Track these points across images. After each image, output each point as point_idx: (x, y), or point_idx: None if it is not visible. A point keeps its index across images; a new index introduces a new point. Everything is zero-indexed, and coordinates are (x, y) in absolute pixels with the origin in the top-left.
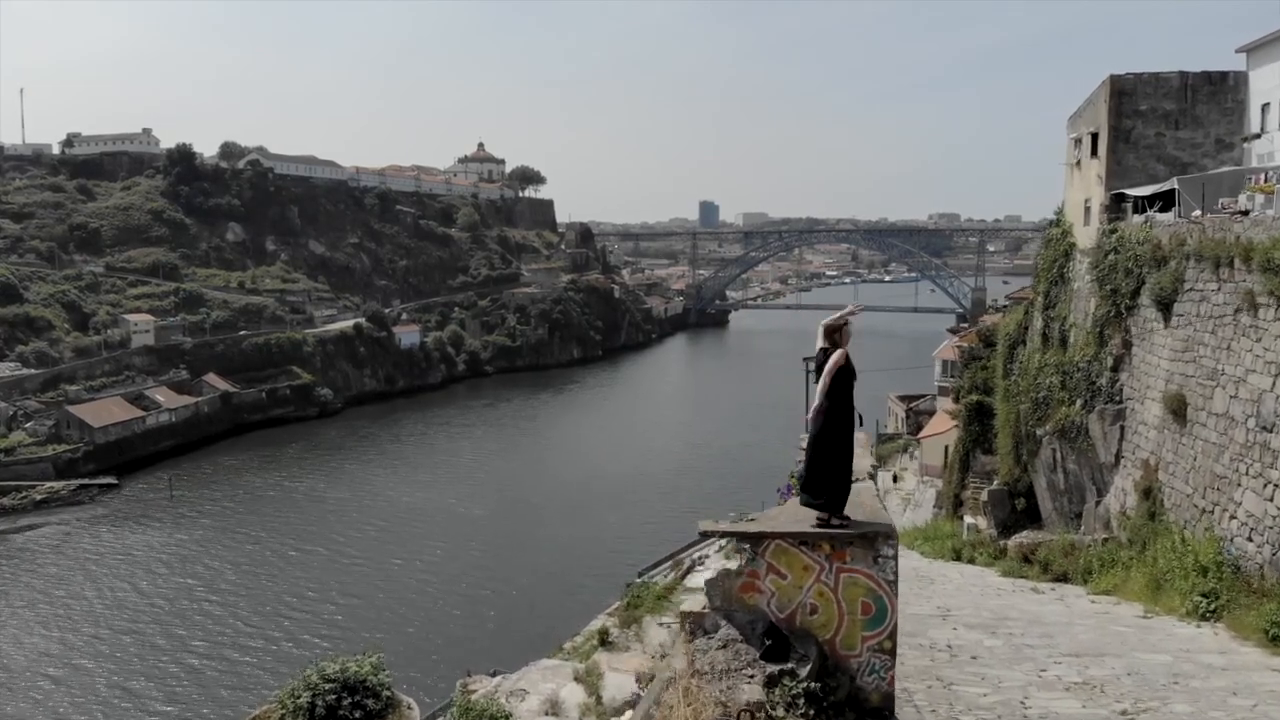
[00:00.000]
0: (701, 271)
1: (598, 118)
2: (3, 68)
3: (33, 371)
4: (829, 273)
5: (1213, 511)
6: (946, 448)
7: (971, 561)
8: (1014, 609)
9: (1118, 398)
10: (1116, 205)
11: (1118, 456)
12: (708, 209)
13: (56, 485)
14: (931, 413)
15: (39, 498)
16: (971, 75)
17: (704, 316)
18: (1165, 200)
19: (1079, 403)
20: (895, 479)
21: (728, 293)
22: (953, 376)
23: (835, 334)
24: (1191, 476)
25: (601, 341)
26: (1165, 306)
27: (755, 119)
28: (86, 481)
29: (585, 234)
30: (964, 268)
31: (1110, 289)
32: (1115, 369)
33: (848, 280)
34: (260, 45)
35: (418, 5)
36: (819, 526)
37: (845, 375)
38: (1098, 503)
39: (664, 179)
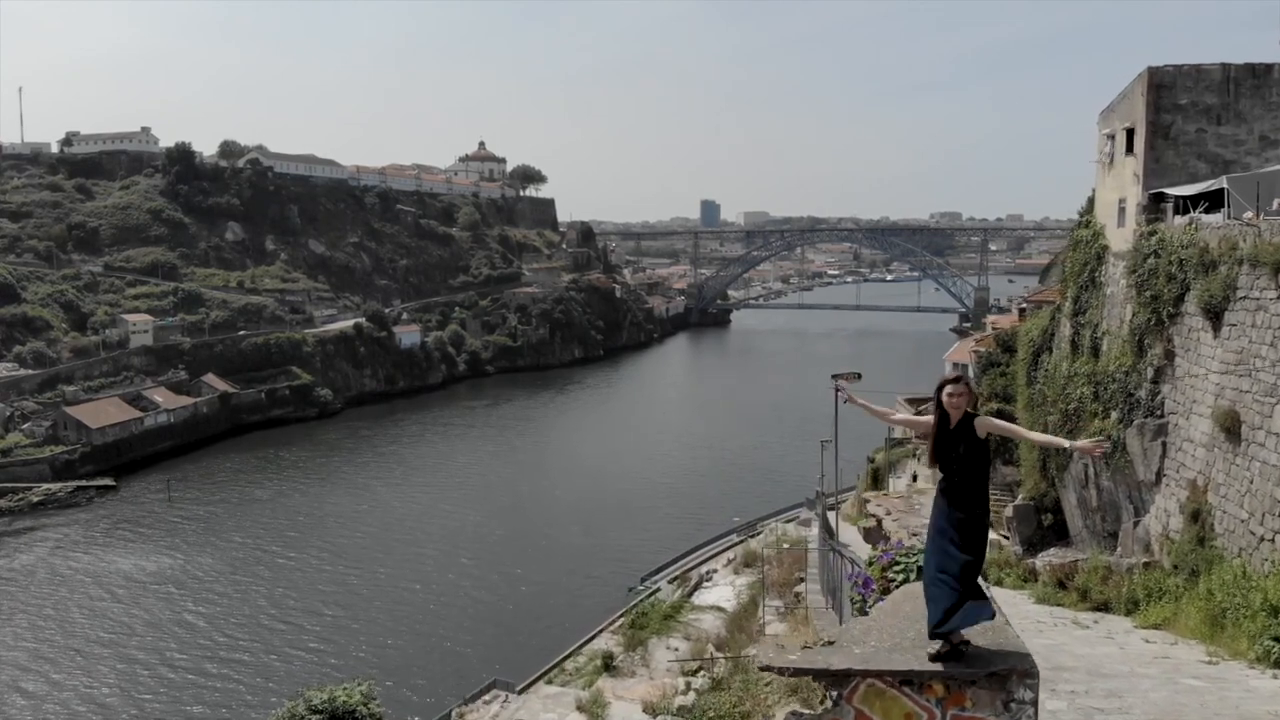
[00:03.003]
0: (703, 271)
1: (599, 116)
2: (2, 67)
3: (30, 372)
4: (831, 272)
5: (1273, 540)
6: None
7: (999, 584)
8: (1064, 651)
9: (1159, 411)
10: (1155, 205)
11: (1159, 475)
12: (709, 208)
13: (53, 487)
14: None
15: (36, 500)
16: (973, 75)
17: (706, 316)
18: (1211, 200)
19: (1114, 415)
20: (915, 477)
21: (729, 292)
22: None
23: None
24: (1247, 500)
25: (603, 341)
26: (1215, 315)
27: (757, 118)
28: (84, 483)
29: (586, 233)
30: (966, 267)
31: (1150, 295)
32: (1156, 381)
33: (849, 280)
34: (260, 44)
35: (418, 4)
36: (932, 657)
37: (971, 439)
38: (1136, 523)
39: (665, 178)
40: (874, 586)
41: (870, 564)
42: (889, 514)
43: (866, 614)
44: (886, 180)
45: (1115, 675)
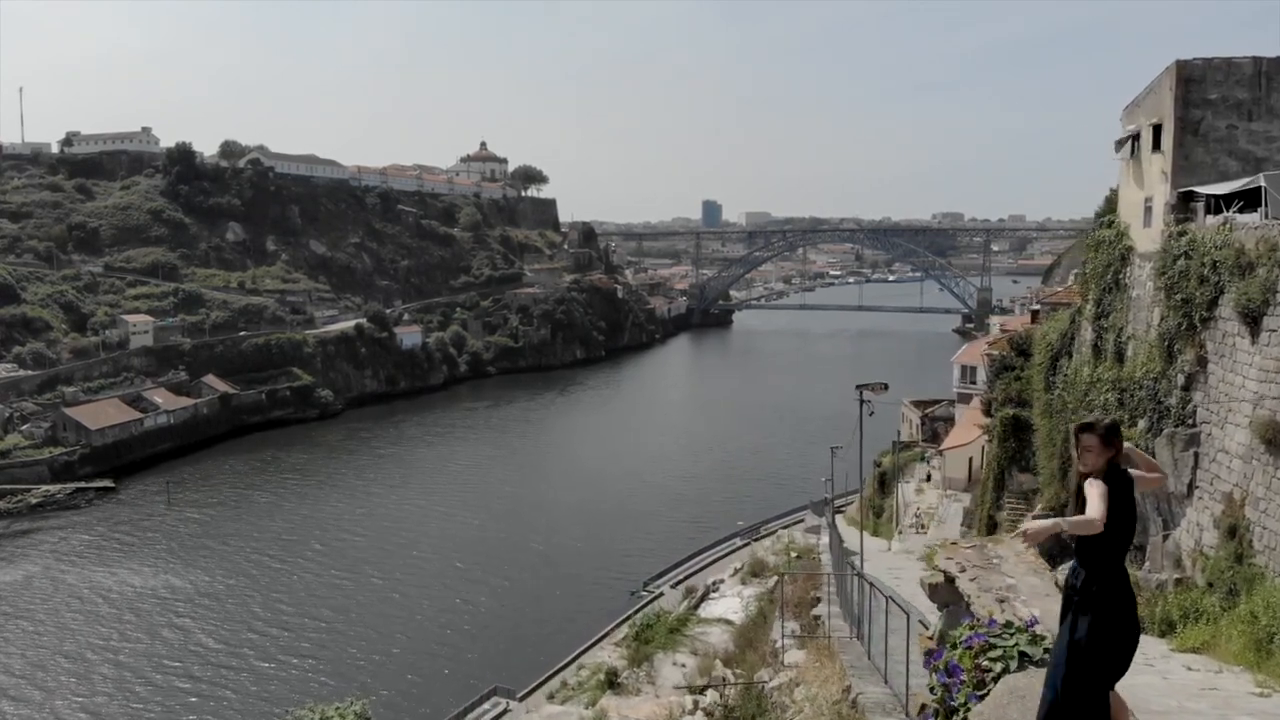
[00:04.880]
0: (705, 271)
1: (600, 117)
2: (2, 67)
3: (30, 373)
4: (833, 272)
5: None
6: (971, 460)
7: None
8: None
9: (1190, 420)
10: (1184, 204)
11: (1190, 486)
12: (711, 208)
13: (52, 489)
14: (949, 419)
15: (34, 501)
16: (975, 75)
17: (707, 317)
18: (1246, 200)
19: (1141, 424)
20: (929, 478)
21: (731, 293)
22: (972, 382)
23: (1106, 441)
24: None
25: (604, 342)
26: (1253, 320)
27: (758, 118)
28: (83, 485)
29: (588, 233)
30: (968, 267)
31: (1181, 298)
32: (1187, 388)
33: (851, 280)
34: (262, 44)
35: (420, 4)
36: None
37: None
38: (1165, 536)
39: (667, 178)
40: (963, 677)
41: (954, 646)
42: (963, 570)
43: (953, 714)
44: (888, 180)
45: (1165, 711)
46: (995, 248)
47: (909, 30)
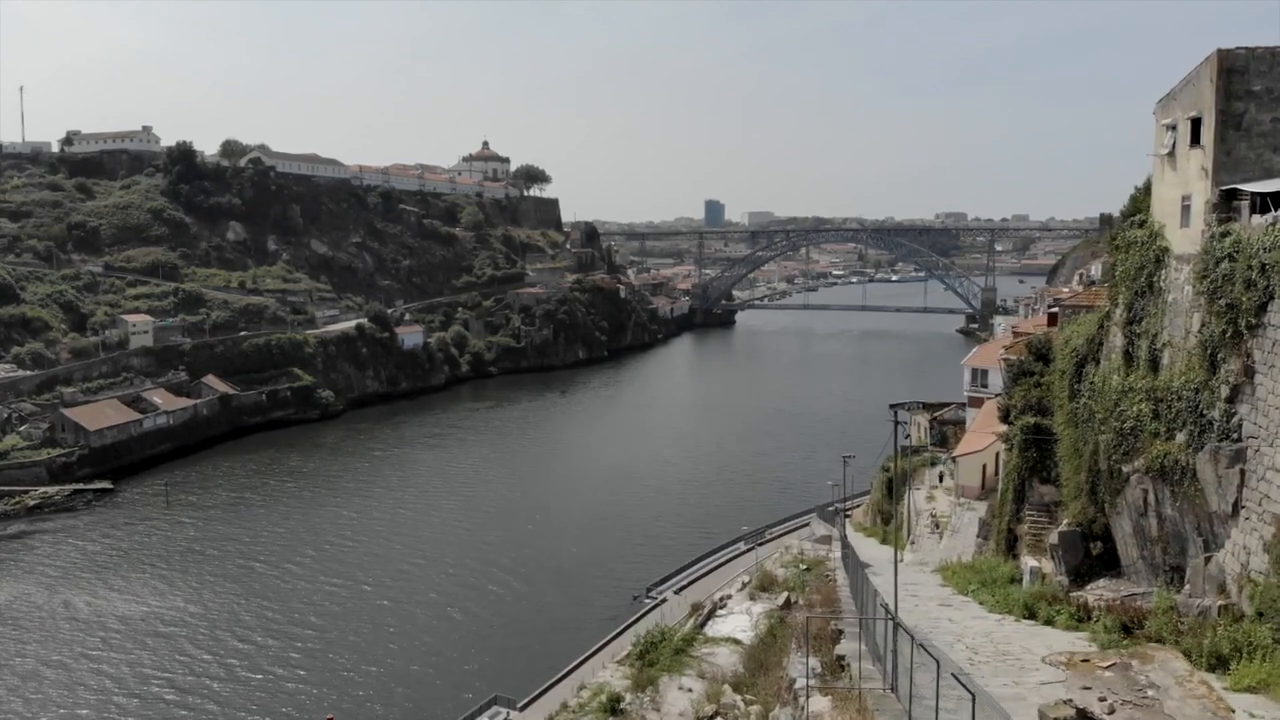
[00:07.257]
0: (707, 271)
1: (604, 116)
2: (4, 68)
3: (28, 373)
4: (836, 272)
5: None
6: (985, 467)
7: (1049, 623)
8: None
9: (1235, 434)
10: (1227, 203)
11: (1236, 506)
12: (713, 208)
13: (50, 490)
14: (958, 423)
15: (32, 503)
16: (978, 75)
17: (710, 316)
18: None
19: (1180, 437)
20: (942, 478)
21: (734, 292)
22: (983, 386)
23: None
24: None
25: (607, 342)
26: None
27: (761, 118)
28: (81, 486)
29: (591, 233)
30: (972, 267)
31: (1225, 303)
32: (1231, 399)
33: (855, 280)
34: (264, 45)
35: (422, 5)
36: None
37: None
38: (1208, 559)
39: (670, 178)
40: None
41: None
42: (1111, 711)
43: None
44: (891, 180)
45: None
46: (999, 248)
47: (911, 30)
